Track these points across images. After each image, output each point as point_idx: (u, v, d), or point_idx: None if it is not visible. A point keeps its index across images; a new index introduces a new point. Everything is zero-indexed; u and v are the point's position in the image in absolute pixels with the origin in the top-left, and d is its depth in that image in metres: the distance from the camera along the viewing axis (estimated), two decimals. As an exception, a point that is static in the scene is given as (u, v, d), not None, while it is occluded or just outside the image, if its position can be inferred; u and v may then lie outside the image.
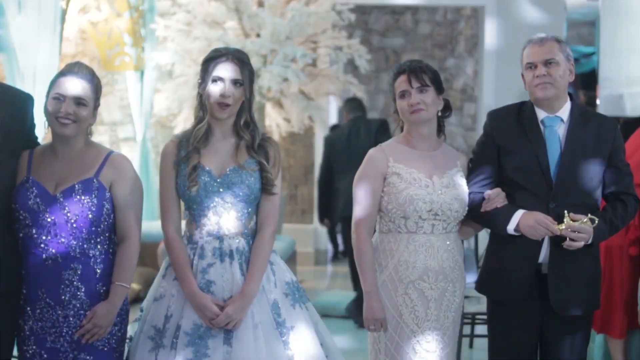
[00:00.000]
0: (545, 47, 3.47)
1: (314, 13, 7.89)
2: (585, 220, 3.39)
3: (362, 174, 3.51)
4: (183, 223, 3.40)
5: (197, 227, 3.34)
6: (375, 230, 3.56)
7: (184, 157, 3.32)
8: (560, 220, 3.40)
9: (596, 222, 3.40)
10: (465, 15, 11.72)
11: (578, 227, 3.37)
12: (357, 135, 7.16)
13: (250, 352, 3.20)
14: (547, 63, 3.46)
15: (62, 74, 3.25)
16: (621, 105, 7.42)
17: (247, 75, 3.34)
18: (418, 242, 3.45)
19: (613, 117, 3.87)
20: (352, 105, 7.60)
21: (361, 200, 3.49)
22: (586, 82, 10.47)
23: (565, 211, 3.39)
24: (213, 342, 3.22)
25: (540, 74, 3.45)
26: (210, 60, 3.33)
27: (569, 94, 3.56)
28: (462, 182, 3.53)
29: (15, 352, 3.33)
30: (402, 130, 3.59)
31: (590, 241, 3.43)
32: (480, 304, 5.49)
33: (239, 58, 3.33)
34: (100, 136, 8.62)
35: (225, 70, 3.30)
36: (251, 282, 3.27)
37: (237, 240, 3.32)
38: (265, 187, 3.34)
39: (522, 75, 3.55)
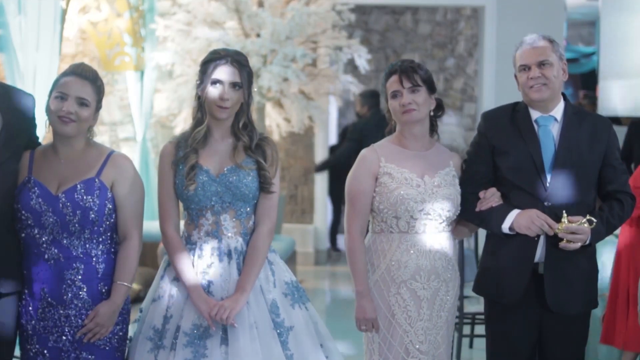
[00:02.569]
0: (538, 48, 3.48)
1: (314, 13, 7.89)
2: (583, 221, 3.39)
3: (354, 174, 3.52)
4: (181, 223, 3.40)
5: (195, 227, 3.34)
6: (367, 231, 3.56)
7: (182, 157, 3.33)
8: (557, 220, 3.40)
9: (594, 223, 3.40)
10: (465, 15, 11.71)
11: (575, 229, 3.38)
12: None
13: (247, 353, 3.20)
14: (541, 64, 3.47)
15: (66, 73, 3.25)
16: (612, 99, 7.43)
17: (245, 77, 3.34)
18: (410, 241, 3.46)
19: (621, 117, 3.88)
20: (374, 101, 8.38)
21: (353, 201, 3.49)
22: (586, 82, 10.49)
23: (564, 212, 3.39)
24: (211, 343, 3.22)
25: (534, 75, 3.46)
26: (210, 62, 3.33)
27: (562, 94, 3.57)
28: (455, 181, 3.53)
29: (17, 352, 3.33)
30: (394, 129, 3.59)
31: (588, 242, 3.43)
32: (480, 304, 5.48)
33: (238, 60, 3.34)
34: (101, 136, 8.63)
35: (225, 73, 3.31)
36: (246, 277, 3.26)
37: (236, 240, 3.32)
38: (263, 185, 3.35)
39: (515, 77, 3.56)
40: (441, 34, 11.87)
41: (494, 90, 8.86)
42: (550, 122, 3.52)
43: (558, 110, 3.54)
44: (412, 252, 3.45)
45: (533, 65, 3.47)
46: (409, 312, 3.44)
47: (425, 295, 3.45)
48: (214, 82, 3.31)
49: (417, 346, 3.44)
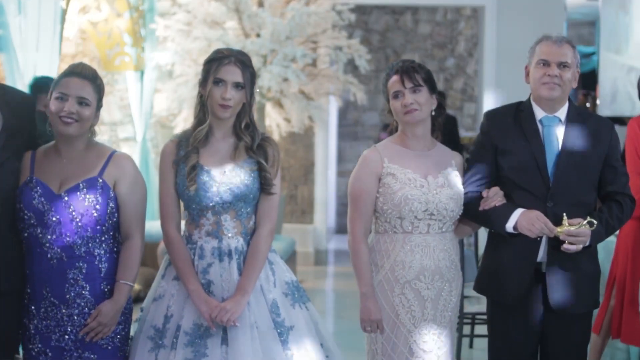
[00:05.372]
0: (562, 48, 3.47)
1: (314, 13, 7.90)
2: (584, 223, 3.39)
3: (357, 175, 3.51)
4: (182, 223, 3.40)
5: (196, 227, 3.34)
6: (371, 231, 3.56)
7: (183, 157, 3.33)
8: (558, 222, 3.39)
9: (595, 225, 3.40)
10: (465, 15, 11.72)
11: (576, 232, 3.37)
12: None
13: (247, 352, 3.20)
14: (561, 65, 3.46)
15: (65, 74, 3.25)
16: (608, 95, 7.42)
17: (248, 78, 3.34)
18: (414, 242, 3.45)
19: (624, 117, 3.89)
20: None
21: (356, 201, 3.49)
22: (586, 82, 10.49)
23: (564, 214, 3.39)
24: (212, 342, 3.22)
25: (552, 74, 3.45)
26: (213, 62, 3.33)
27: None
28: (458, 181, 3.53)
29: (19, 352, 3.34)
30: (396, 130, 3.58)
31: (588, 243, 3.43)
32: (480, 304, 5.50)
33: (242, 60, 3.34)
34: (101, 136, 8.54)
35: (228, 73, 3.31)
36: (247, 279, 3.27)
37: (236, 240, 3.32)
38: (264, 186, 3.34)
39: (526, 68, 3.54)
40: (441, 34, 11.88)
41: (494, 90, 8.87)
42: (554, 122, 3.52)
43: (563, 112, 3.54)
44: (416, 252, 3.44)
45: (553, 64, 3.45)
46: (413, 312, 3.44)
47: (429, 295, 3.45)
48: (217, 81, 3.31)
49: (421, 346, 3.43)
